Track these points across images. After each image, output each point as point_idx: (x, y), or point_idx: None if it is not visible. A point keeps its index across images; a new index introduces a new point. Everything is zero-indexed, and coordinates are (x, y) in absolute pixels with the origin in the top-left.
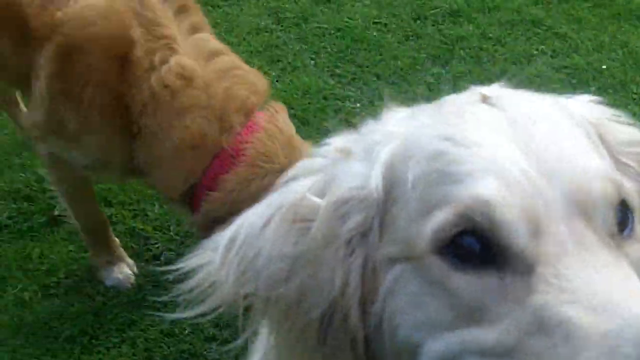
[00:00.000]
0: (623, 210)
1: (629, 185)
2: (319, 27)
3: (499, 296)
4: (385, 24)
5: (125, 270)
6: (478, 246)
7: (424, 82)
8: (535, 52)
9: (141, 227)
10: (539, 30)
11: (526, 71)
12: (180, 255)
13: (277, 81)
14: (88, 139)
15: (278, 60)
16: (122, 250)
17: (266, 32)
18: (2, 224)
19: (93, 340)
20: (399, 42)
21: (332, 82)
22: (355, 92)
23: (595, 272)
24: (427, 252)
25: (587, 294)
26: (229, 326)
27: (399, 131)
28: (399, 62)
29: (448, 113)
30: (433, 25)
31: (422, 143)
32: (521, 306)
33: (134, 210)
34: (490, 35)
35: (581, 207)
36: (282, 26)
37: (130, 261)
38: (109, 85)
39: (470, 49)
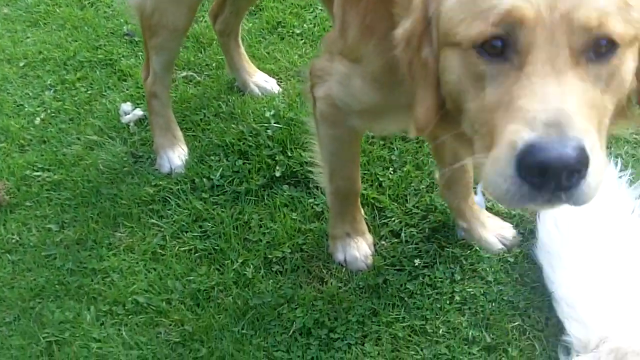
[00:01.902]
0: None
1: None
2: None
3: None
4: None
5: (364, 248)
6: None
7: None
8: None
9: (374, 195)
10: None
11: None
12: (422, 232)
13: None
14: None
15: None
16: (365, 223)
17: None
18: (214, 184)
19: (331, 334)
20: None
21: None
22: None
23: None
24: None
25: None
26: (489, 327)
27: None
28: None
29: None
30: None
31: None
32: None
33: (364, 176)
34: None
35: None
36: None
37: (370, 238)
38: None
39: None
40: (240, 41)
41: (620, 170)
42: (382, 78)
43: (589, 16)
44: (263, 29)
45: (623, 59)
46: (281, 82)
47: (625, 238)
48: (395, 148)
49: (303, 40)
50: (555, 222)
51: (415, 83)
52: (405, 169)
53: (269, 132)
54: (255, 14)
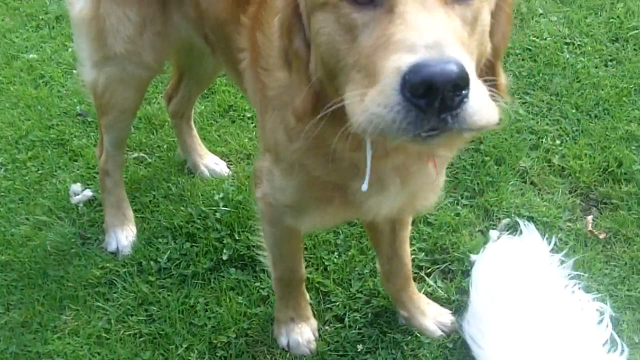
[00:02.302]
0: None
1: None
2: None
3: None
4: (579, 45)
5: (307, 333)
6: None
7: (634, 118)
8: None
9: (319, 280)
10: None
11: None
12: (365, 317)
13: None
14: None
15: None
16: (309, 308)
17: None
18: (161, 267)
19: None
20: (597, 67)
21: (523, 112)
22: (553, 126)
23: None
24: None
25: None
26: None
27: None
28: (600, 92)
29: None
30: (635, 49)
31: None
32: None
33: (310, 259)
34: None
35: None
36: None
37: (314, 323)
38: None
39: None
40: (192, 124)
41: (553, 252)
42: (295, 167)
43: None
44: (215, 112)
45: (483, 5)
46: (231, 164)
47: (553, 310)
48: (340, 232)
49: (254, 124)
50: (489, 292)
51: (293, 73)
52: (349, 253)
53: (217, 214)
54: (207, 97)
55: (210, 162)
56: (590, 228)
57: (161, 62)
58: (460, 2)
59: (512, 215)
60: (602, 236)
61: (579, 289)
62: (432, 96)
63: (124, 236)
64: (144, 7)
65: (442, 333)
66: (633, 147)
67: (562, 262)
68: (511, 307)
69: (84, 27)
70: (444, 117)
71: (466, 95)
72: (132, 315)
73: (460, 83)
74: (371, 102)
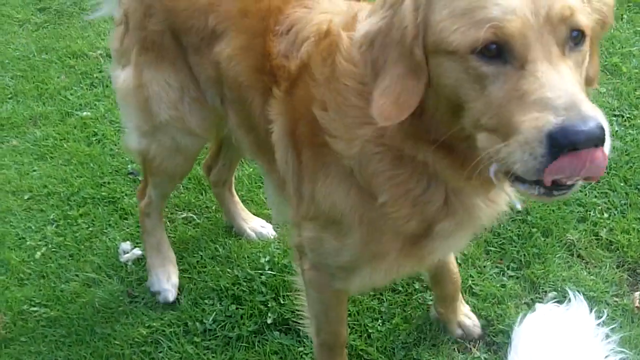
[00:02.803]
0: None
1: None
2: None
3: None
4: (628, 118)
5: None
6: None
7: None
8: None
9: (362, 347)
10: None
11: None
12: None
13: None
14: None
15: None
16: None
17: None
18: (206, 328)
19: None
20: None
21: None
22: (601, 198)
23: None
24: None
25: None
26: None
27: None
28: None
29: None
30: None
31: None
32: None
33: (354, 326)
34: None
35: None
36: None
37: None
38: None
39: None
40: (234, 190)
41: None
42: (356, 228)
43: (563, 10)
44: (261, 175)
45: (588, 49)
46: (277, 227)
47: None
48: (384, 300)
49: None
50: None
51: (387, 79)
52: (393, 321)
53: (263, 277)
54: (253, 160)
55: (257, 226)
56: (637, 304)
57: (206, 128)
58: (574, 50)
59: (559, 288)
60: None
61: None
62: (579, 150)
63: (165, 277)
64: (178, 73)
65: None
66: None
67: (608, 336)
68: None
69: (129, 97)
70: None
71: (603, 149)
72: None
73: (600, 143)
74: (519, 150)
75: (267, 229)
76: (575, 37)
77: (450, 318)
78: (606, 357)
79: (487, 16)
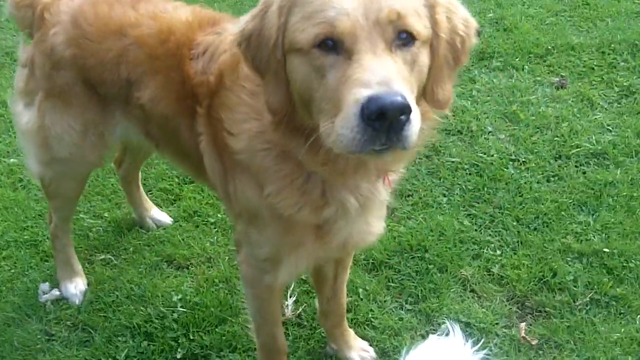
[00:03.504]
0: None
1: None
2: (452, 162)
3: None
4: (524, 162)
5: None
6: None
7: (570, 232)
8: None
9: None
10: None
11: None
12: None
13: (409, 219)
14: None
15: (408, 195)
16: None
17: None
18: None
19: None
20: (539, 182)
21: (468, 223)
22: (494, 236)
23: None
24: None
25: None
26: None
27: None
28: (541, 206)
29: None
30: (577, 166)
31: None
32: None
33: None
34: None
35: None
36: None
37: None
38: None
39: (619, 197)
40: (140, 184)
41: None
42: (269, 216)
43: (390, 14)
44: (180, 217)
45: (420, 50)
46: (191, 267)
47: None
48: (289, 333)
49: (216, 229)
50: None
51: (267, 77)
52: (297, 354)
53: (175, 315)
54: (174, 203)
55: (155, 214)
56: (523, 334)
57: (102, 158)
58: (402, 49)
59: (452, 320)
60: (534, 342)
61: None
62: (383, 120)
63: (72, 286)
64: (85, 115)
65: None
66: (568, 259)
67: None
68: None
69: (30, 136)
70: (391, 136)
71: (407, 120)
72: None
73: (404, 111)
74: (339, 125)
75: (164, 218)
76: (404, 38)
77: (345, 351)
78: None
79: (325, 17)
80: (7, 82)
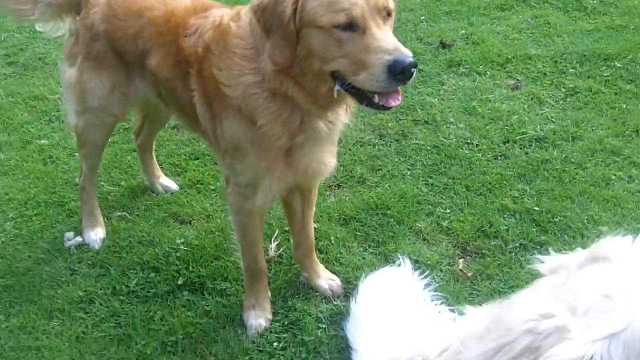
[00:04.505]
0: (389, 12)
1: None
2: (417, 144)
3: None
4: (477, 145)
5: (260, 320)
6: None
7: (509, 196)
8: (613, 177)
9: None
10: (617, 159)
11: (603, 193)
12: (283, 325)
13: (377, 187)
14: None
15: (378, 169)
16: (269, 302)
17: (369, 145)
18: (130, 290)
19: None
20: (488, 160)
21: (425, 190)
22: (446, 199)
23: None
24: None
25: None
26: None
27: None
28: (487, 177)
29: None
30: (521, 148)
31: None
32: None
33: None
34: (573, 160)
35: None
36: (383, 141)
37: (269, 315)
38: None
39: (553, 170)
40: (153, 154)
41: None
42: (250, 145)
43: (383, 3)
44: (185, 185)
45: (393, 19)
46: (193, 221)
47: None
48: (271, 269)
49: (215, 194)
50: (364, 301)
51: (274, 38)
52: (277, 283)
53: (178, 254)
54: (180, 174)
55: (164, 181)
56: (461, 267)
57: (124, 113)
58: (388, 22)
59: (404, 258)
60: (470, 274)
61: (439, 304)
62: (403, 74)
63: (93, 234)
64: (114, 76)
65: (331, 292)
66: (505, 216)
67: (427, 285)
68: (379, 311)
69: (71, 88)
70: (405, 80)
71: (416, 70)
72: (104, 323)
73: (415, 65)
74: (368, 78)
75: (171, 184)
76: (388, 14)
77: (314, 280)
78: (423, 296)
79: (343, 7)
80: (39, 81)
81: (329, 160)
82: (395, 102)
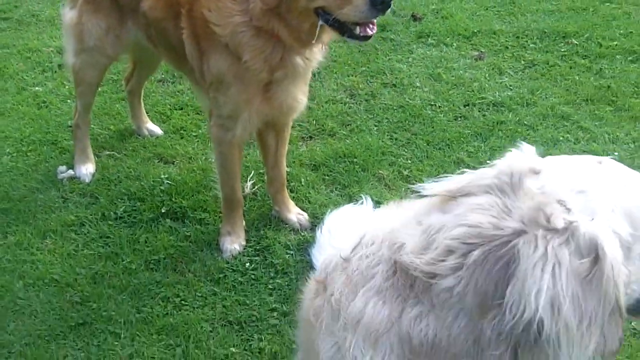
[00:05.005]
0: None
1: None
2: (384, 104)
3: None
4: (439, 106)
5: (234, 244)
6: None
7: (465, 151)
8: (561, 138)
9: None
10: (567, 123)
11: (551, 152)
12: (255, 250)
13: (345, 139)
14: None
15: (348, 124)
16: (243, 229)
17: (341, 103)
18: (118, 216)
19: (182, 301)
20: (449, 120)
21: (390, 143)
22: (408, 152)
23: None
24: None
25: None
26: None
27: None
28: (446, 134)
29: None
30: (479, 111)
31: None
32: None
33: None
34: (526, 122)
35: None
36: (354, 100)
37: (243, 241)
38: None
39: (507, 131)
40: (142, 100)
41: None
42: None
43: None
44: (169, 130)
45: None
46: (176, 162)
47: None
48: (247, 204)
49: (197, 140)
50: (328, 230)
51: None
52: (251, 215)
53: (162, 187)
54: (165, 122)
55: (150, 126)
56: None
57: (118, 54)
58: None
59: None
60: None
61: None
62: (383, 4)
63: (84, 168)
64: (108, 18)
65: (299, 225)
66: (460, 167)
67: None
68: (340, 237)
69: (71, 29)
70: (384, 10)
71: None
72: (94, 243)
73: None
74: (352, 9)
75: (156, 129)
76: None
77: (285, 214)
78: None
79: None
80: (33, 35)
81: (301, 98)
82: (372, 30)
